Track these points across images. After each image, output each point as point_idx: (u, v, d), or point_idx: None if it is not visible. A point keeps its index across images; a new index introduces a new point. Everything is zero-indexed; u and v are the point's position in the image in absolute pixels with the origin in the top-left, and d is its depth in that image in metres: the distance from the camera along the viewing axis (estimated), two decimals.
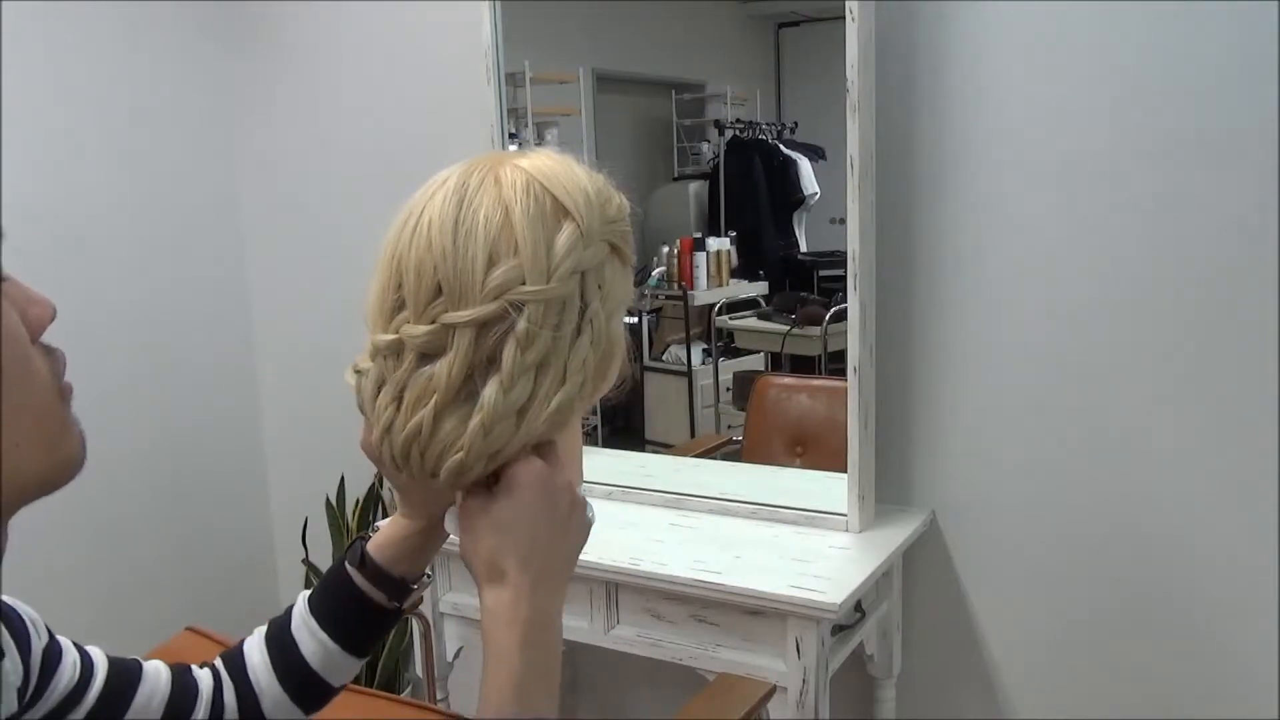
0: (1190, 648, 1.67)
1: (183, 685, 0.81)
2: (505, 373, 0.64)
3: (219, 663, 0.85)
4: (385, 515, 2.27)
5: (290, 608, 0.86)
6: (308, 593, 0.86)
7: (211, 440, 2.60)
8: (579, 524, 0.70)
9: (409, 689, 2.38)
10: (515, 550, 0.66)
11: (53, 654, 0.73)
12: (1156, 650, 1.70)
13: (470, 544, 0.68)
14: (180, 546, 2.53)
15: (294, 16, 2.42)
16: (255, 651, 0.84)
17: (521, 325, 0.63)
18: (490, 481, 0.68)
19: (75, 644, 0.76)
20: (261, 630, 0.86)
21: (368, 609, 0.84)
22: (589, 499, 0.77)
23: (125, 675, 0.78)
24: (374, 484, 2.38)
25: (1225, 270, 1.56)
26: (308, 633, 0.83)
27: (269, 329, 2.66)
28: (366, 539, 0.85)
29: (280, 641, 0.84)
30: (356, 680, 2.49)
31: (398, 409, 0.66)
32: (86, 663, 0.76)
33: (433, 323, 0.64)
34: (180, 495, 2.53)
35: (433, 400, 0.64)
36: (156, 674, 0.80)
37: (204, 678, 0.83)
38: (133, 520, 2.42)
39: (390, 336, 0.66)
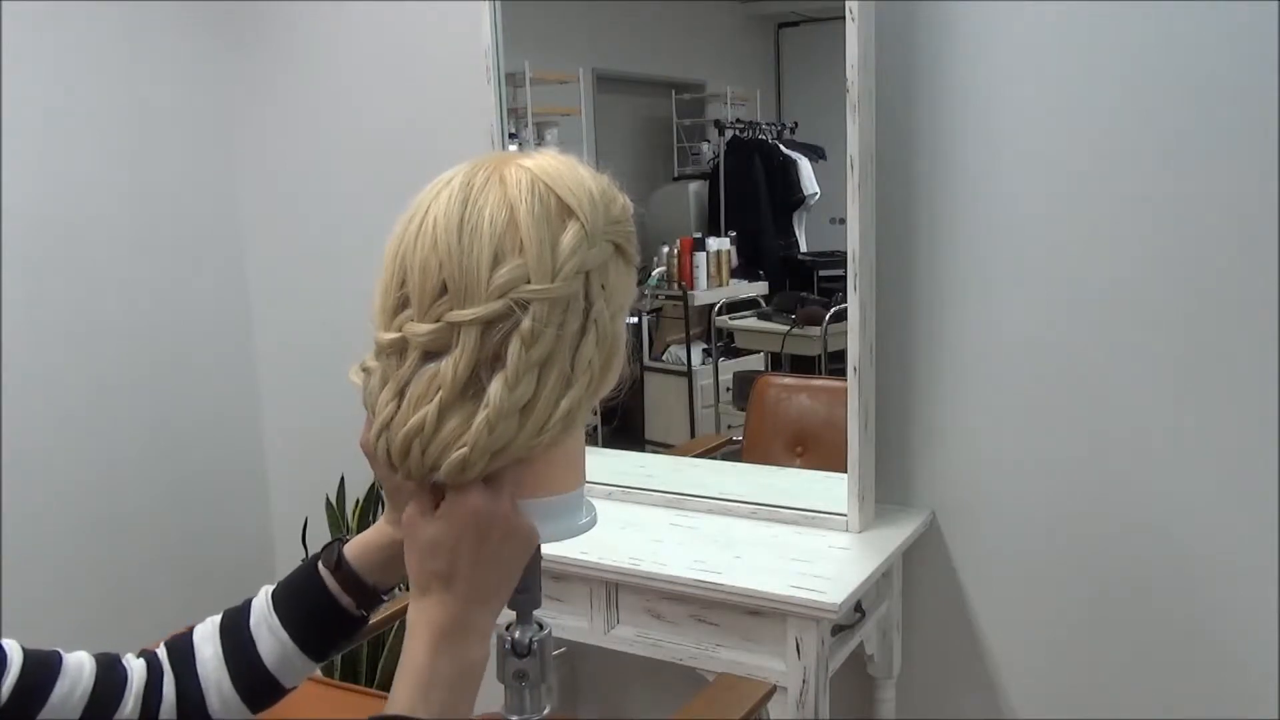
0: (1190, 648, 1.67)
1: (109, 678, 0.77)
2: (510, 370, 0.64)
3: (162, 652, 0.82)
4: None
5: (248, 601, 0.84)
6: (269, 588, 0.84)
7: (211, 440, 2.60)
8: (516, 548, 0.70)
9: None
10: (439, 572, 0.68)
11: None
12: (1157, 650, 1.70)
13: (406, 556, 0.71)
14: (180, 546, 2.53)
15: (294, 16, 2.42)
16: (207, 644, 0.82)
17: (526, 323, 0.64)
18: (435, 500, 0.69)
19: None
20: (214, 621, 0.84)
21: (334, 613, 0.82)
22: (590, 500, 0.77)
23: (42, 669, 0.74)
24: (374, 484, 2.38)
25: (1225, 270, 1.56)
26: (267, 630, 0.81)
27: (269, 329, 2.66)
28: (344, 541, 0.84)
29: (236, 637, 0.82)
30: (357, 680, 2.49)
31: (398, 406, 0.66)
32: None
33: (437, 321, 0.65)
34: (180, 495, 2.53)
35: (437, 397, 0.65)
36: (79, 666, 0.76)
37: (136, 668, 0.80)
38: (133, 520, 2.42)
39: (393, 335, 0.66)
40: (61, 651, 0.77)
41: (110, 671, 0.78)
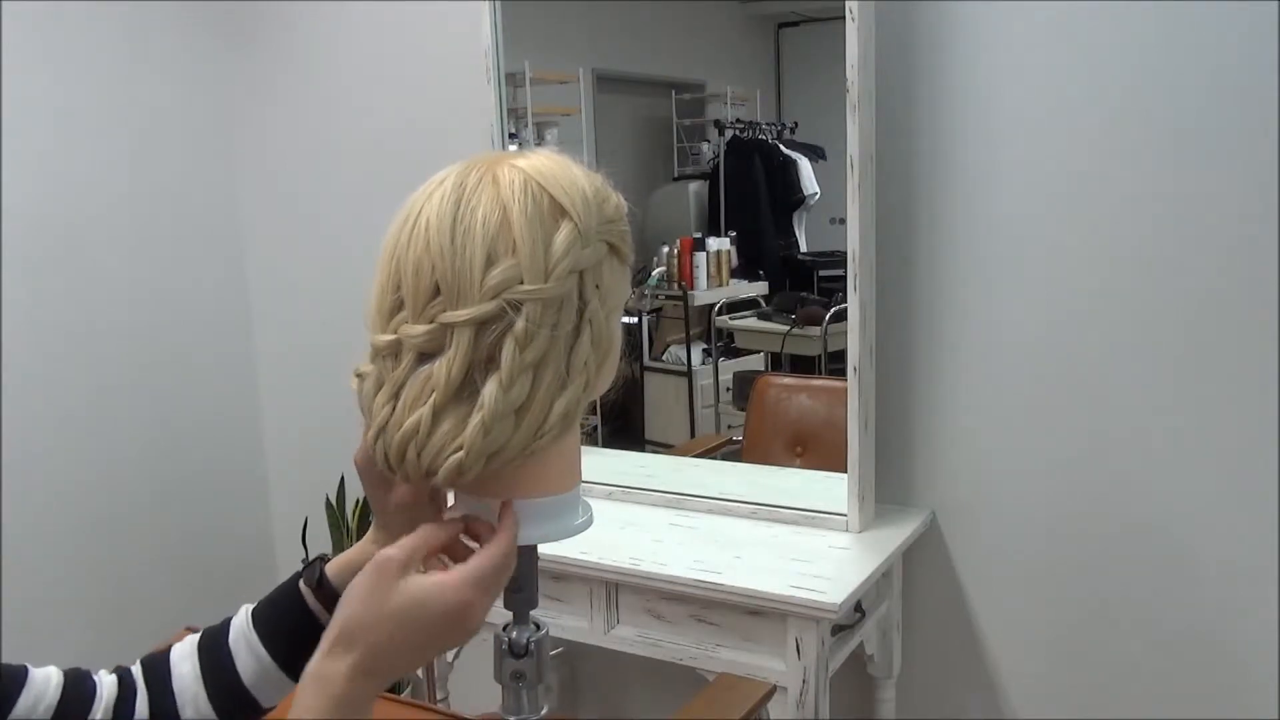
0: (1190, 648, 1.67)
1: (76, 692, 0.76)
2: (504, 371, 0.64)
3: (137, 669, 0.81)
4: None
5: (227, 619, 0.83)
6: (250, 606, 0.83)
7: (211, 440, 2.60)
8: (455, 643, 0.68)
9: (409, 689, 2.38)
10: (378, 647, 0.64)
11: None
12: (1156, 650, 1.70)
13: (353, 600, 0.65)
14: (180, 546, 2.53)
15: (294, 16, 2.42)
16: (185, 661, 0.80)
17: (520, 324, 0.63)
18: (432, 552, 0.67)
19: None
20: (193, 639, 0.83)
21: (314, 631, 0.79)
22: (586, 499, 0.77)
23: (7, 681, 0.74)
24: None
25: (1225, 270, 1.56)
26: (246, 647, 0.80)
27: (269, 329, 2.66)
28: (326, 560, 0.83)
29: (214, 653, 0.80)
30: None
31: (394, 408, 0.66)
32: None
33: (431, 322, 0.64)
34: (180, 495, 2.53)
35: (431, 399, 0.64)
36: (46, 679, 0.76)
37: (106, 683, 0.78)
38: (133, 520, 2.42)
39: (388, 337, 0.66)
40: (29, 665, 0.76)
41: (78, 686, 0.77)
